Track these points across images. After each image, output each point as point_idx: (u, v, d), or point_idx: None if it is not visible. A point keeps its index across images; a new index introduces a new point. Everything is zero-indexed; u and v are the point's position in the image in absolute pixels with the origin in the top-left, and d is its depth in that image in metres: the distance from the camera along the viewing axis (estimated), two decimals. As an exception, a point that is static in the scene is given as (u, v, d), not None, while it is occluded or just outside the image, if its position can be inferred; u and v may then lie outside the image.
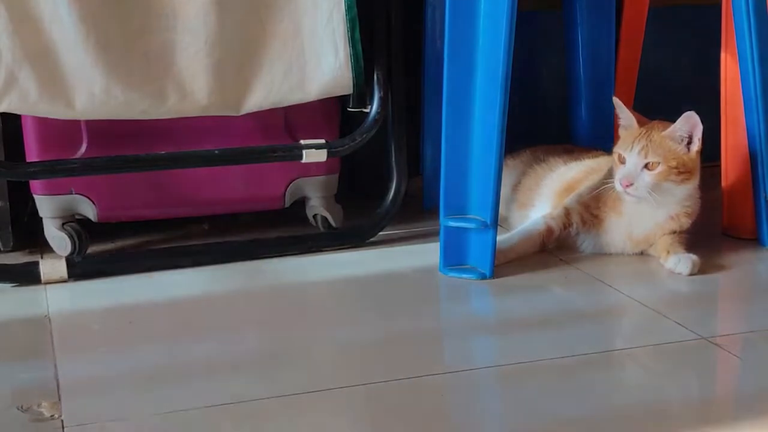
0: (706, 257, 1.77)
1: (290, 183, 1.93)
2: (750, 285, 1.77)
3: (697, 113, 1.75)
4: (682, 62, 2.60)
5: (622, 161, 1.76)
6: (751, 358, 1.40)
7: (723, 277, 1.75)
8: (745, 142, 1.88)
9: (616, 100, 1.82)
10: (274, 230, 1.97)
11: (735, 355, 1.41)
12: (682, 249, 1.78)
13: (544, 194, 1.91)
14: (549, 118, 2.45)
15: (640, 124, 1.79)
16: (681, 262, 1.74)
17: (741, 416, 1.26)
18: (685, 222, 1.81)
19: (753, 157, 1.87)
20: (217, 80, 1.74)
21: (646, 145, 1.74)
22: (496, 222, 1.71)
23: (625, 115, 1.81)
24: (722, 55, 1.97)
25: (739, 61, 1.86)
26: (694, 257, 1.75)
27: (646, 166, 1.74)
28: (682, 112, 1.75)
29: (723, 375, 1.39)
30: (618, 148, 1.79)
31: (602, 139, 2.21)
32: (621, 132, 1.83)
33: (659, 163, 1.74)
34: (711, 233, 1.88)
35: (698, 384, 1.35)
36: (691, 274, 1.73)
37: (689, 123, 1.75)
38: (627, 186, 1.74)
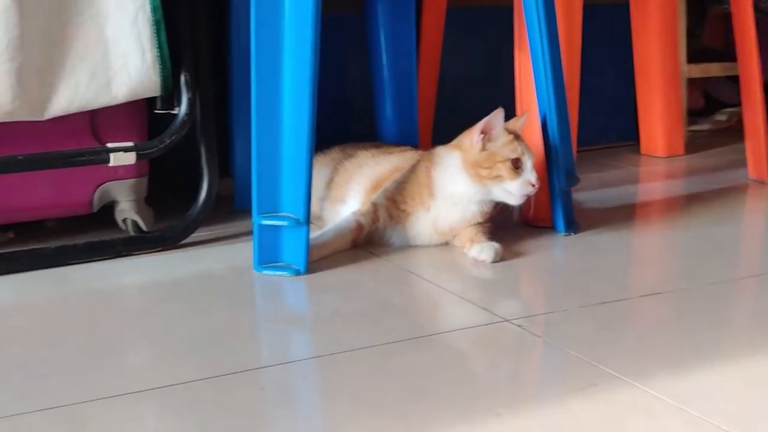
0: (507, 245, 1.86)
1: (98, 187, 1.90)
2: (548, 269, 1.86)
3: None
4: (479, 61, 2.70)
5: (518, 165, 1.82)
6: (552, 336, 1.49)
7: (523, 262, 1.84)
8: (540, 136, 1.96)
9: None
10: (83, 235, 1.94)
11: (536, 335, 1.49)
12: (485, 238, 1.85)
13: (355, 189, 1.95)
14: (357, 117, 2.51)
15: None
16: (484, 251, 1.81)
17: (543, 392, 1.33)
18: (490, 211, 1.90)
19: (547, 151, 1.96)
20: (21, 85, 1.70)
21: (525, 146, 1.84)
22: (308, 219, 1.74)
23: (499, 125, 1.84)
24: (516, 53, 2.06)
25: (532, 59, 1.94)
26: (496, 245, 1.83)
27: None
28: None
29: (526, 354, 1.46)
30: (506, 154, 1.82)
31: (407, 136, 2.29)
32: (497, 137, 1.84)
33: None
34: (512, 223, 1.97)
35: (504, 363, 1.42)
36: (494, 262, 1.80)
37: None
38: (536, 185, 1.82)
